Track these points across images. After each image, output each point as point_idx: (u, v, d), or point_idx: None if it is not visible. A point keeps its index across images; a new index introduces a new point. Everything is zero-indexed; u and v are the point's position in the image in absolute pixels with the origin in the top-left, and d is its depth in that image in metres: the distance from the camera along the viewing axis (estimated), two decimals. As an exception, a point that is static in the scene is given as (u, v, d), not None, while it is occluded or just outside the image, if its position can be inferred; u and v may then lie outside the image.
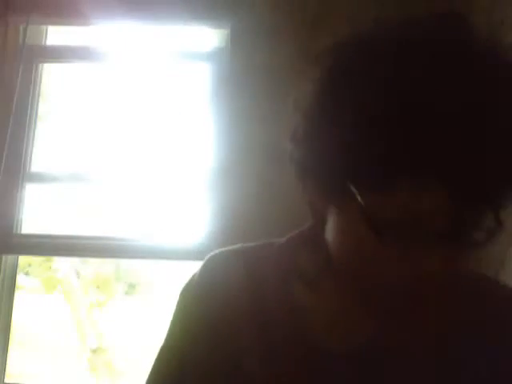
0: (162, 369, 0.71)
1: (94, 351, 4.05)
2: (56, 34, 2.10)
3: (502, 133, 0.49)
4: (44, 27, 2.02)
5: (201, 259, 0.74)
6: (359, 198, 0.51)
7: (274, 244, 0.71)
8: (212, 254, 0.73)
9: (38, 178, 1.93)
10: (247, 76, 1.79)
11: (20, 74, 1.85)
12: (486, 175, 0.49)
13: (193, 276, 0.72)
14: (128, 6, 1.85)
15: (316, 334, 0.63)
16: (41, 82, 1.98)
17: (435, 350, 0.61)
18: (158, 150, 2.14)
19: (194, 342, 0.67)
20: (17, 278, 1.88)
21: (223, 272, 0.70)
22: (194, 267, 0.74)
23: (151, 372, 0.71)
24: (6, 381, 1.83)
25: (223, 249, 0.73)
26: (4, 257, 1.82)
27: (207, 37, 2.05)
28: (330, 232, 0.59)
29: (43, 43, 2.03)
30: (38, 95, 1.96)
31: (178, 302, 0.72)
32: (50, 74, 2.13)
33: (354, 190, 0.52)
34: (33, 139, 1.93)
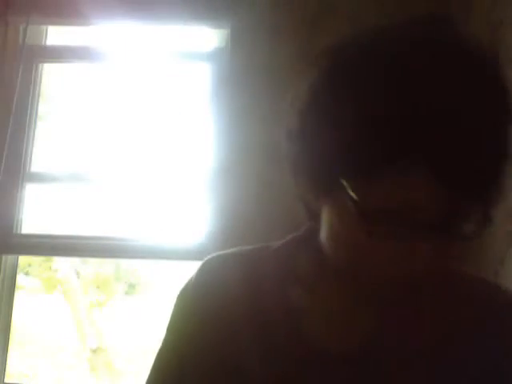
0: (162, 370, 0.71)
1: (94, 351, 4.05)
2: (56, 34, 2.10)
3: (488, 125, 0.51)
4: (44, 27, 2.02)
5: (201, 259, 0.75)
6: (349, 189, 0.52)
7: (270, 247, 0.71)
8: (209, 256, 0.73)
9: (38, 177, 1.93)
10: (247, 76, 1.79)
11: (20, 74, 1.85)
12: (473, 165, 0.50)
13: (190, 279, 0.72)
14: (128, 6, 1.85)
15: (314, 335, 0.63)
16: (41, 82, 1.98)
17: (434, 350, 0.61)
18: (158, 150, 2.14)
19: (192, 342, 0.67)
20: (17, 277, 1.88)
21: (220, 274, 0.70)
22: (193, 267, 0.74)
23: (150, 375, 0.71)
24: (5, 381, 1.83)
25: (220, 252, 0.73)
26: (4, 257, 1.82)
27: (207, 37, 2.05)
28: (323, 229, 0.60)
29: (43, 43, 2.03)
30: (38, 95, 1.96)
31: (175, 304, 0.72)
32: (50, 74, 2.13)
33: (343, 182, 0.53)
34: (33, 139, 1.92)
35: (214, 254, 0.73)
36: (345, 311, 0.63)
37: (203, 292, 0.69)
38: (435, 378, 0.61)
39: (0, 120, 1.83)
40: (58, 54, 2.00)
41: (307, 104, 0.57)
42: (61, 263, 4.14)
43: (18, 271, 1.89)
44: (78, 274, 4.45)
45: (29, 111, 1.91)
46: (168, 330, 0.72)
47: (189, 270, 0.74)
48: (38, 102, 1.96)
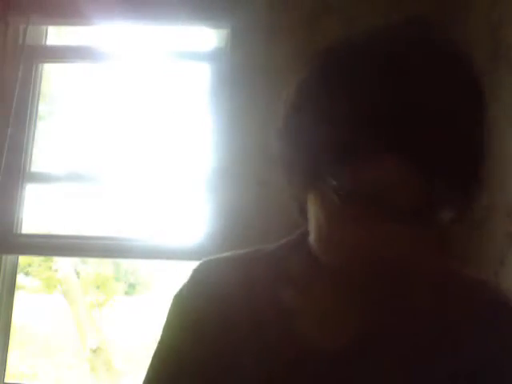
0: (159, 369, 0.71)
1: (94, 351, 4.05)
2: (56, 34, 2.10)
3: (458, 116, 0.54)
4: (44, 27, 2.02)
5: (200, 259, 0.75)
6: (329, 177, 0.56)
7: (263, 250, 0.73)
8: (202, 260, 0.74)
9: (38, 178, 1.93)
10: (246, 76, 1.79)
11: (20, 74, 1.85)
12: (446, 152, 0.53)
13: (184, 283, 0.73)
14: (128, 6, 1.85)
15: (307, 335, 0.64)
16: (41, 82, 1.98)
17: (429, 349, 0.62)
18: (158, 150, 2.15)
19: (188, 340, 0.68)
20: (17, 277, 1.88)
21: (214, 276, 0.71)
22: (193, 267, 0.75)
23: (147, 374, 0.71)
24: (5, 381, 1.83)
25: (213, 256, 0.75)
26: (4, 257, 1.82)
27: (207, 37, 2.06)
28: (310, 225, 0.63)
29: (43, 43, 2.03)
30: (38, 95, 1.96)
31: (170, 307, 0.73)
32: (50, 74, 2.13)
33: (324, 170, 0.57)
34: (33, 139, 1.92)
35: (207, 258, 0.74)
36: (337, 311, 0.64)
37: (198, 292, 0.70)
38: (430, 377, 0.61)
39: (0, 120, 1.83)
40: (58, 54, 2.00)
41: (293, 101, 0.61)
42: (61, 263, 4.14)
43: (18, 271, 1.89)
44: (78, 273, 4.45)
45: (29, 111, 1.91)
46: (164, 330, 0.72)
47: (188, 270, 0.75)
48: (38, 101, 1.96)
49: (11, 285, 1.85)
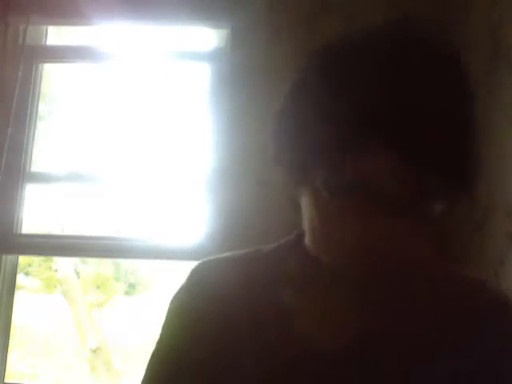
0: (158, 369, 0.71)
1: (94, 351, 4.05)
2: (56, 34, 2.10)
3: (454, 113, 0.56)
4: (44, 27, 2.02)
5: (200, 259, 0.75)
6: (319, 170, 0.58)
7: (262, 250, 0.73)
8: (201, 261, 0.75)
9: (38, 178, 1.93)
10: (246, 76, 1.79)
11: (20, 74, 1.85)
12: (433, 146, 0.54)
13: (182, 283, 0.74)
14: (128, 6, 1.85)
15: (306, 335, 0.64)
16: (41, 82, 1.98)
17: (429, 348, 0.62)
18: (158, 150, 2.15)
19: (188, 339, 0.68)
20: (17, 277, 1.88)
21: (213, 275, 0.72)
22: (191, 268, 0.75)
23: (145, 374, 0.71)
24: (5, 381, 1.83)
25: (212, 256, 0.75)
26: (4, 257, 1.82)
27: (207, 37, 2.06)
28: (304, 221, 0.65)
29: (43, 43, 2.03)
30: (38, 95, 1.96)
31: (169, 307, 0.73)
32: (50, 74, 2.13)
33: (313, 163, 0.59)
34: (33, 139, 1.92)
35: (205, 259, 0.75)
36: (337, 311, 0.64)
37: (197, 292, 0.70)
38: (430, 377, 0.61)
39: (0, 120, 1.83)
40: (58, 54, 2.00)
41: (286, 100, 0.65)
42: (61, 263, 4.14)
43: (18, 271, 1.89)
44: (77, 273, 4.45)
45: (29, 111, 1.91)
46: (163, 329, 0.72)
47: (188, 270, 0.75)
48: (37, 101, 1.96)
49: (11, 285, 1.85)
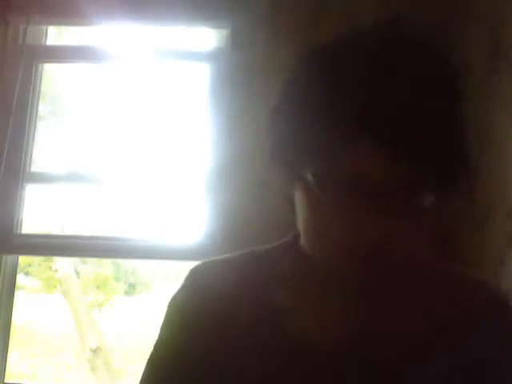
0: (157, 369, 0.71)
1: (94, 351, 4.05)
2: (56, 34, 2.10)
3: (441, 109, 0.57)
4: (44, 27, 2.02)
5: (200, 259, 0.76)
6: (308, 166, 0.59)
7: (257, 251, 0.74)
8: (197, 264, 0.76)
9: (38, 178, 1.92)
10: (246, 76, 1.79)
11: (20, 74, 1.85)
12: (417, 139, 0.55)
13: (179, 287, 0.74)
14: (128, 6, 1.85)
15: (300, 332, 0.65)
16: (41, 82, 1.98)
17: (425, 344, 0.62)
18: (158, 150, 2.15)
19: (186, 343, 0.69)
20: (17, 277, 1.88)
21: (209, 277, 0.73)
22: (187, 270, 0.76)
23: (144, 375, 0.71)
24: (5, 381, 1.83)
25: (207, 259, 0.77)
26: (4, 257, 1.81)
27: (207, 37, 2.06)
28: (298, 220, 0.65)
29: (43, 43, 2.03)
30: (38, 95, 1.96)
31: (167, 309, 0.74)
32: (50, 74, 2.13)
33: (305, 161, 0.60)
34: (33, 139, 1.92)
35: (201, 262, 0.76)
36: (331, 310, 0.65)
37: (193, 294, 0.71)
38: (426, 376, 0.61)
39: (0, 120, 1.83)
40: (58, 54, 2.00)
41: (278, 100, 0.67)
42: (61, 263, 4.15)
43: (18, 271, 1.89)
44: (78, 273, 4.46)
45: (29, 111, 1.91)
46: (161, 332, 0.73)
47: (187, 270, 0.76)
48: (38, 101, 1.96)
49: (11, 285, 1.85)
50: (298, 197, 0.64)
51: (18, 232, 1.85)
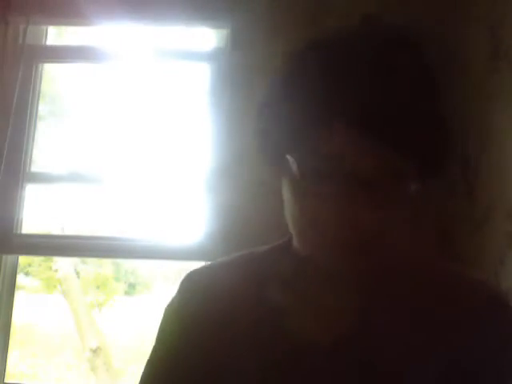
0: (156, 370, 0.71)
1: (94, 351, 4.05)
2: (56, 34, 2.10)
3: (419, 98, 0.58)
4: (44, 27, 2.02)
5: (200, 259, 0.76)
6: (290, 153, 0.60)
7: (255, 252, 0.75)
8: (191, 270, 0.76)
9: (38, 177, 1.92)
10: (246, 76, 1.79)
11: (20, 74, 1.85)
12: (394, 124, 0.55)
13: (175, 294, 0.75)
14: (128, 6, 1.85)
15: (298, 331, 0.65)
16: (41, 82, 1.98)
17: (425, 342, 0.62)
18: (158, 150, 2.15)
19: (184, 345, 0.69)
20: (17, 277, 1.88)
21: (207, 279, 0.73)
22: (193, 267, 0.76)
23: (143, 376, 0.72)
24: (5, 381, 1.83)
25: (202, 265, 0.78)
26: (4, 257, 1.81)
27: (207, 37, 2.06)
28: (285, 210, 0.65)
29: (43, 43, 2.03)
30: (38, 95, 1.96)
31: (163, 317, 0.74)
32: (50, 74, 2.13)
33: (285, 148, 0.61)
34: (33, 139, 1.92)
35: (197, 268, 0.76)
36: (328, 310, 0.65)
37: (189, 297, 0.72)
38: (426, 375, 0.61)
39: (0, 120, 1.83)
40: (58, 54, 2.00)
41: (265, 95, 0.69)
42: (61, 263, 4.15)
43: (18, 271, 1.89)
44: (78, 273, 4.46)
45: (29, 111, 1.91)
46: (159, 335, 0.73)
47: (188, 269, 0.76)
48: (38, 101, 1.96)
49: (11, 285, 1.85)
50: (285, 190, 0.64)
51: (18, 232, 1.85)
